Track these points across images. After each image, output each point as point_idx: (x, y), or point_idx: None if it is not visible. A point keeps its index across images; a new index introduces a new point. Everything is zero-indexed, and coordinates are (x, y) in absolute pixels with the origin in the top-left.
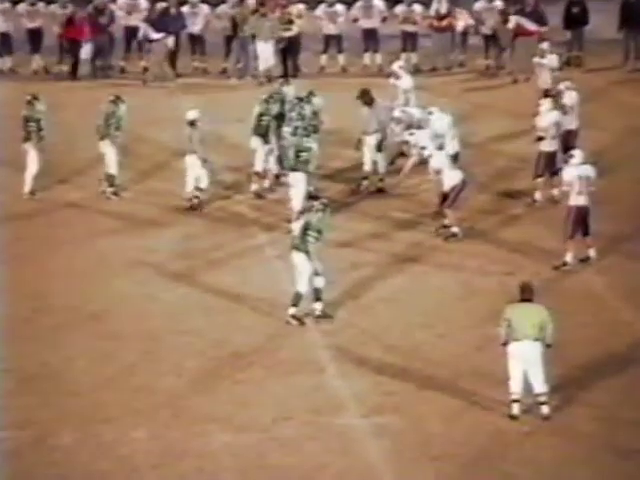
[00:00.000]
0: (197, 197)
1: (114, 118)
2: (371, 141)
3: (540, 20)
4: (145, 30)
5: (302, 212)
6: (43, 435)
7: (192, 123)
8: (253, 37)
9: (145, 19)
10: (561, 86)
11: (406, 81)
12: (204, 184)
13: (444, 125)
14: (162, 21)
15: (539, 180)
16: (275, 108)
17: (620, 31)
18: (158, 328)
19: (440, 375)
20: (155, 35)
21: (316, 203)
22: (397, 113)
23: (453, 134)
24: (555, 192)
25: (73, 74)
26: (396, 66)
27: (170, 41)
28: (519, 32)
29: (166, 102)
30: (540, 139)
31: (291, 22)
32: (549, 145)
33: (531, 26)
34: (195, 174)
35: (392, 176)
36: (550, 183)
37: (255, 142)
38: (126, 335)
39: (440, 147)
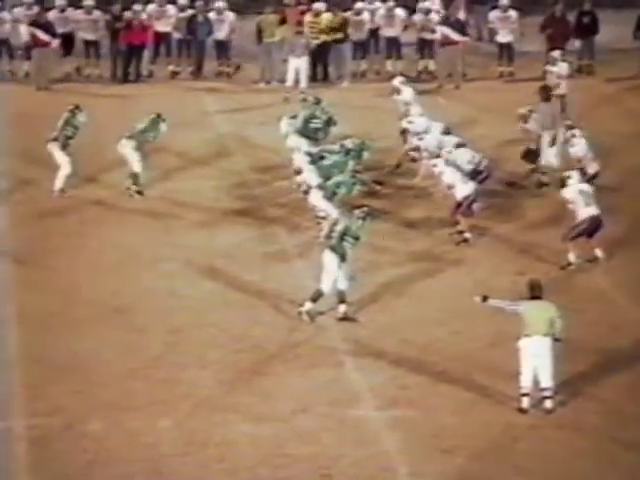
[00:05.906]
0: None
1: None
2: None
3: (462, 30)
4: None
5: (335, 221)
6: (72, 422)
7: None
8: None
9: (31, 22)
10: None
11: (407, 94)
12: None
13: None
14: (190, 27)
15: None
16: (325, 114)
17: (635, 39)
18: (182, 322)
19: (453, 370)
20: (45, 37)
21: (357, 211)
22: (404, 124)
23: None
24: None
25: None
26: (396, 82)
27: (55, 43)
28: (444, 41)
29: (193, 104)
30: None
31: (321, 31)
32: None
33: (455, 36)
34: None
35: (408, 177)
36: None
37: (295, 141)
38: (151, 328)
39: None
